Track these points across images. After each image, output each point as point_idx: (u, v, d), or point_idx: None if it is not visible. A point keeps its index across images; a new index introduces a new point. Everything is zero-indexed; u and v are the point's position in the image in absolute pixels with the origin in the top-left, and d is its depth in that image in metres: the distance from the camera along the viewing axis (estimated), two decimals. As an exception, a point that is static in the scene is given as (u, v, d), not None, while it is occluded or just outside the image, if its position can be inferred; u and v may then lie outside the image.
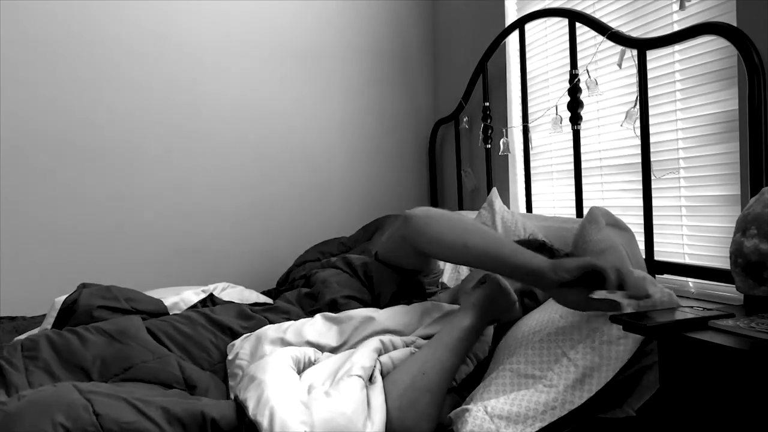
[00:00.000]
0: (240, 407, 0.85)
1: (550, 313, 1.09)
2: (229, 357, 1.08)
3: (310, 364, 1.00)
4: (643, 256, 1.37)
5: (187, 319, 1.16)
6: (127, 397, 0.81)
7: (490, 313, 1.08)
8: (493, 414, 0.91)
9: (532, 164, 1.93)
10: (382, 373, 0.96)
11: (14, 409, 0.75)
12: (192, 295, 1.43)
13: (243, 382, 0.90)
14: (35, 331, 1.30)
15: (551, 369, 0.98)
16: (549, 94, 1.87)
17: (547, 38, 1.88)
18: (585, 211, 1.51)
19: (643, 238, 1.40)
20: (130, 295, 1.31)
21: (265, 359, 0.93)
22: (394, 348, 1.05)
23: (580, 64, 1.61)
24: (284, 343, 1.05)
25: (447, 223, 1.09)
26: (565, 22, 1.68)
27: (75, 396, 0.77)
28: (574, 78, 1.60)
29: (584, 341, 1.00)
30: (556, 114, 1.72)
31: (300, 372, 0.96)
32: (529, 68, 1.92)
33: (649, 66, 1.40)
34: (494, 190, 1.74)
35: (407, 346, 1.05)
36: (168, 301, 1.38)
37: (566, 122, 1.66)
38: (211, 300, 1.43)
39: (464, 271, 1.61)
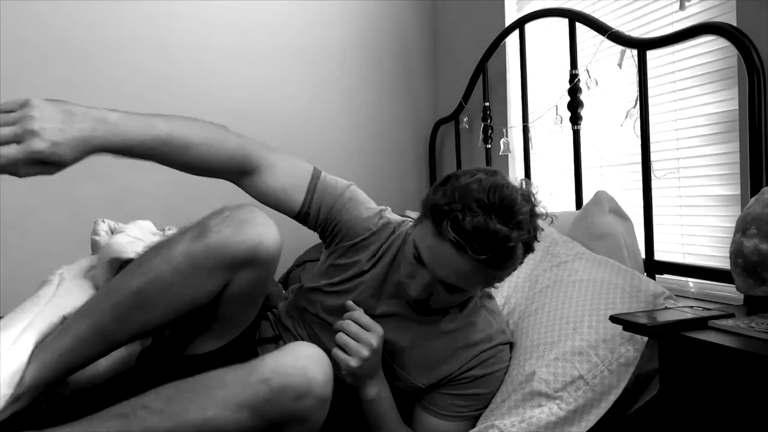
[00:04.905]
0: None
1: (563, 325, 1.06)
2: None
3: None
4: (643, 256, 1.38)
5: None
6: None
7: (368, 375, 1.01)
8: None
9: (532, 164, 1.93)
10: None
11: None
12: None
13: None
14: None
15: (566, 390, 0.96)
16: (549, 94, 1.87)
17: (547, 38, 1.88)
18: (585, 211, 1.50)
19: (643, 238, 1.39)
20: None
21: None
22: None
23: (580, 64, 1.61)
24: None
25: None
26: (565, 22, 1.68)
27: None
28: (574, 78, 1.60)
29: (602, 364, 0.98)
30: (556, 114, 1.72)
31: None
32: (529, 68, 1.92)
33: (649, 66, 1.40)
34: None
35: None
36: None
37: (566, 122, 1.66)
38: None
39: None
